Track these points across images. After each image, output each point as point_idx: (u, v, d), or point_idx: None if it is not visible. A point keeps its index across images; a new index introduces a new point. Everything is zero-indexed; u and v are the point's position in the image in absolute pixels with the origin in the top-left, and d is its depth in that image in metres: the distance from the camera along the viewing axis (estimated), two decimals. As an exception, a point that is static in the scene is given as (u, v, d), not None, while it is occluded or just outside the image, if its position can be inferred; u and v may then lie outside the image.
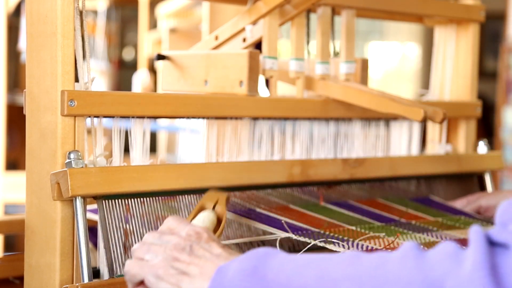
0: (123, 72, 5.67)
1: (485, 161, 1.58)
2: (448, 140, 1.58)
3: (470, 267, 0.72)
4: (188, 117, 1.21)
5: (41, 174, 1.09)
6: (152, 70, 4.02)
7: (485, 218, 1.39)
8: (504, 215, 0.78)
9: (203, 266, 0.88)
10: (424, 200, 1.44)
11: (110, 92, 1.86)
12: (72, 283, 1.07)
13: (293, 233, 1.12)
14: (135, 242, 1.10)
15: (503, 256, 0.73)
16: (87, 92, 1.09)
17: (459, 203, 1.45)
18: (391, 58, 6.38)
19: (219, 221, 1.07)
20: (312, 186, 1.32)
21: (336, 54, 1.44)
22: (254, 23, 1.33)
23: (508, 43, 3.93)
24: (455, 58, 1.58)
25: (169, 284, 0.89)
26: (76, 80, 1.10)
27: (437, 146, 1.57)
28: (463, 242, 1.16)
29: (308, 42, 1.41)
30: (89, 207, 1.09)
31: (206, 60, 1.32)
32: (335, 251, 1.05)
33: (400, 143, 1.50)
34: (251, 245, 1.22)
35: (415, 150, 1.51)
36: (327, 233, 1.16)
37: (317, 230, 1.16)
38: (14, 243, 3.84)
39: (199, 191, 1.18)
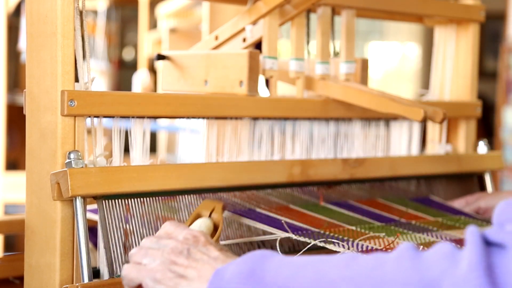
0: (123, 72, 5.67)
1: (485, 161, 1.58)
2: (448, 140, 1.58)
3: (466, 267, 0.73)
4: (188, 117, 1.21)
5: (41, 174, 1.09)
6: (152, 70, 4.02)
7: (485, 218, 1.39)
8: (501, 216, 0.78)
9: (201, 269, 0.89)
10: (424, 200, 1.44)
11: (110, 92, 1.86)
12: (72, 283, 1.07)
13: (293, 233, 1.12)
14: (135, 242, 1.10)
15: (499, 256, 0.73)
16: (87, 92, 1.09)
17: (458, 204, 1.45)
18: (391, 58, 6.38)
19: (215, 228, 1.07)
20: (312, 186, 1.32)
21: (336, 54, 1.44)
22: (254, 23, 1.33)
23: (508, 43, 3.93)
24: (455, 58, 1.58)
25: None
26: (76, 80, 1.10)
27: (437, 146, 1.57)
28: (463, 242, 1.16)
29: (308, 42, 1.41)
30: (89, 207, 1.09)
31: (206, 60, 1.32)
32: (335, 251, 1.05)
33: (400, 143, 1.50)
34: (251, 245, 1.22)
35: (415, 150, 1.51)
36: (327, 233, 1.16)
37: (317, 230, 1.16)
38: (14, 243, 3.84)
39: (199, 191, 1.18)
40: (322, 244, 1.09)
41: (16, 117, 3.08)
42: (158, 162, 1.22)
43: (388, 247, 1.11)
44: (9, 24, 3.44)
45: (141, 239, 1.11)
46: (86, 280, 1.03)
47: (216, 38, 1.38)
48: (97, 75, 2.26)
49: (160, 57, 1.38)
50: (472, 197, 1.46)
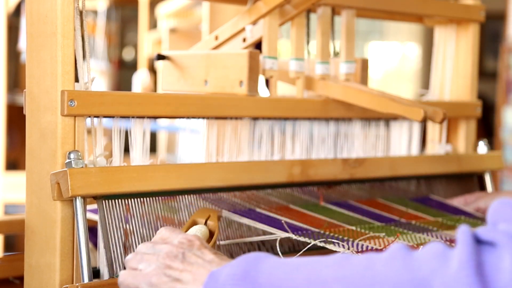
0: (123, 72, 5.67)
1: (485, 161, 1.58)
2: (448, 140, 1.58)
3: (456, 265, 0.73)
4: (188, 117, 1.21)
5: (41, 174, 1.09)
6: (152, 70, 4.02)
7: (485, 218, 1.39)
8: (494, 215, 0.79)
9: (196, 272, 0.90)
10: (424, 200, 1.44)
11: (110, 92, 1.86)
12: (72, 283, 1.07)
13: (293, 233, 1.12)
14: (135, 242, 1.10)
15: (489, 254, 0.74)
16: (87, 92, 1.09)
17: (457, 202, 1.45)
18: (391, 58, 6.38)
19: (211, 235, 1.08)
20: (312, 186, 1.32)
21: (336, 54, 1.44)
22: (254, 23, 1.33)
23: (508, 43, 3.93)
24: (455, 58, 1.58)
25: None
26: (76, 80, 1.10)
27: (437, 146, 1.57)
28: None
29: (308, 42, 1.41)
30: (89, 207, 1.09)
31: (206, 60, 1.32)
32: (335, 251, 1.05)
33: (400, 143, 1.50)
34: (251, 245, 1.22)
35: (415, 150, 1.51)
36: (327, 233, 1.16)
37: (317, 230, 1.16)
38: (14, 243, 3.84)
39: (199, 191, 1.18)
40: (322, 244, 1.09)
41: (16, 117, 3.09)
42: (158, 162, 1.22)
43: (388, 247, 1.11)
44: (9, 24, 3.44)
45: (141, 239, 1.11)
46: (86, 280, 1.03)
47: (216, 38, 1.38)
48: (97, 75, 2.25)
49: (160, 57, 1.38)
50: (471, 196, 1.46)
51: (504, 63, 3.93)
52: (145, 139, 1.18)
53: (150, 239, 1.04)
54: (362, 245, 1.11)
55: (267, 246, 1.23)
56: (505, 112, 3.88)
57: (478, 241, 0.75)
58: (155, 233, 1.00)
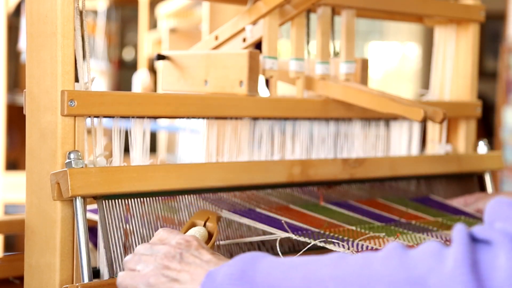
0: (123, 72, 5.67)
1: (485, 161, 1.58)
2: (448, 140, 1.58)
3: (452, 264, 0.73)
4: (188, 117, 1.21)
5: (41, 174, 1.09)
6: (152, 70, 4.02)
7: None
8: (491, 214, 0.79)
9: (193, 272, 0.90)
10: (424, 200, 1.44)
11: (110, 92, 1.86)
12: (72, 283, 1.07)
13: (293, 233, 1.12)
14: (135, 242, 1.10)
15: (484, 252, 0.74)
16: (87, 92, 1.09)
17: (456, 203, 1.45)
18: (391, 58, 6.38)
19: (210, 237, 1.08)
20: (312, 186, 1.32)
21: (336, 54, 1.44)
22: (254, 23, 1.33)
23: (508, 43, 3.93)
24: (455, 58, 1.58)
25: None
26: (76, 80, 1.10)
27: (437, 146, 1.57)
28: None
29: (308, 42, 1.41)
30: (89, 207, 1.09)
31: (206, 60, 1.32)
32: (335, 251, 1.05)
33: (400, 143, 1.50)
34: (251, 245, 1.22)
35: (415, 150, 1.51)
36: (327, 233, 1.16)
37: (317, 230, 1.16)
38: (14, 243, 3.85)
39: (199, 191, 1.18)
40: (322, 244, 1.09)
41: (16, 117, 3.09)
42: (158, 162, 1.22)
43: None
44: (9, 24, 3.44)
45: (141, 239, 1.11)
46: (86, 280, 1.03)
47: (216, 38, 1.38)
48: (97, 75, 2.25)
49: (160, 57, 1.38)
50: (471, 197, 1.46)
51: (504, 63, 3.93)
52: (145, 139, 1.18)
53: (150, 239, 1.04)
54: (362, 245, 1.11)
55: (267, 246, 1.23)
56: (505, 112, 3.88)
57: (474, 240, 0.76)
58: (155, 234, 1.01)
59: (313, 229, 1.16)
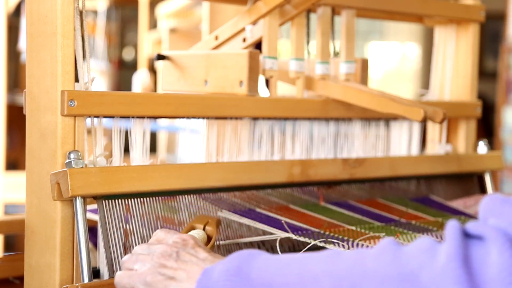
0: (123, 72, 5.67)
1: (485, 161, 1.58)
2: (448, 140, 1.58)
3: (444, 259, 0.74)
4: (188, 117, 1.21)
5: (41, 174, 1.09)
6: (152, 70, 4.02)
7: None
8: (485, 211, 0.80)
9: (190, 270, 0.91)
10: (424, 200, 1.44)
11: (110, 92, 1.86)
12: (72, 283, 1.07)
13: (293, 233, 1.12)
14: (135, 242, 1.10)
15: (476, 248, 0.74)
16: (87, 92, 1.09)
17: (456, 205, 1.45)
18: (391, 58, 6.38)
19: (209, 240, 1.08)
20: (312, 186, 1.32)
21: (336, 54, 1.44)
22: (254, 23, 1.33)
23: (508, 43, 3.93)
24: (455, 58, 1.58)
25: None
26: (76, 80, 1.10)
27: (437, 146, 1.57)
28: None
29: (308, 42, 1.41)
30: (89, 207, 1.09)
31: (206, 60, 1.32)
32: (335, 251, 1.05)
33: (400, 143, 1.50)
34: (251, 245, 1.22)
35: (415, 150, 1.51)
36: (327, 233, 1.16)
37: (317, 230, 1.16)
38: (14, 243, 3.85)
39: (199, 191, 1.18)
40: (322, 244, 1.09)
41: (16, 117, 3.08)
42: (158, 162, 1.22)
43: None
44: (9, 24, 3.44)
45: (141, 239, 1.11)
46: (86, 280, 1.03)
47: (216, 38, 1.38)
48: (97, 75, 2.26)
49: (160, 57, 1.38)
50: (471, 200, 1.46)
51: (504, 63, 3.93)
52: (145, 139, 1.18)
53: (150, 240, 1.04)
54: (362, 245, 1.11)
55: (267, 246, 1.23)
56: (505, 112, 3.88)
57: (467, 236, 0.76)
58: (153, 235, 1.01)
59: (313, 229, 1.16)
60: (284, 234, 1.12)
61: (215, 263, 0.90)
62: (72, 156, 1.05)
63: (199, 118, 1.23)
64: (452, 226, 0.77)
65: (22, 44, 3.82)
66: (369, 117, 1.42)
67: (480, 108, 1.58)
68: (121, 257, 1.08)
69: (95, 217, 1.10)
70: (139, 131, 1.17)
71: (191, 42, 1.66)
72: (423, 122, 1.51)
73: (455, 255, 0.73)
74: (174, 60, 1.36)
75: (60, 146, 1.07)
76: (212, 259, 0.92)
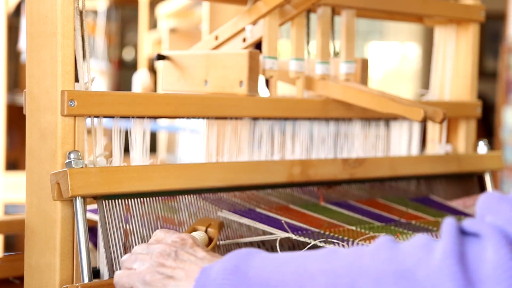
0: (123, 72, 5.67)
1: (485, 161, 1.58)
2: (448, 140, 1.58)
3: (440, 255, 0.74)
4: (188, 117, 1.21)
5: (41, 174, 1.09)
6: (152, 70, 4.02)
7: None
8: (482, 208, 0.80)
9: (188, 269, 0.91)
10: (424, 200, 1.44)
11: (110, 92, 1.86)
12: (72, 283, 1.07)
13: (293, 233, 1.12)
14: (135, 242, 1.10)
15: (472, 245, 0.74)
16: (87, 92, 1.09)
17: (455, 205, 1.45)
18: (391, 58, 6.38)
19: (210, 242, 1.08)
20: (312, 186, 1.32)
21: (336, 54, 1.44)
22: (254, 23, 1.33)
23: (508, 43, 3.93)
24: (455, 58, 1.58)
25: None
26: (76, 80, 1.10)
27: (437, 146, 1.57)
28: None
29: (308, 42, 1.41)
30: (89, 207, 1.09)
31: (206, 60, 1.32)
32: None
33: (400, 143, 1.50)
34: (251, 245, 1.22)
35: (415, 150, 1.51)
36: (327, 233, 1.16)
37: (317, 230, 1.16)
38: (14, 243, 3.85)
39: (199, 191, 1.18)
40: (322, 244, 1.09)
41: (16, 117, 3.08)
42: (158, 162, 1.22)
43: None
44: (9, 24, 3.44)
45: (141, 239, 1.11)
46: (86, 280, 1.03)
47: (216, 38, 1.38)
48: (97, 75, 2.26)
49: (160, 57, 1.38)
50: (470, 200, 1.46)
51: (504, 63, 3.93)
52: (145, 139, 1.18)
53: (150, 239, 1.04)
54: (362, 245, 1.11)
55: (267, 246, 1.23)
56: (505, 112, 3.88)
57: (464, 233, 0.76)
58: (153, 235, 1.01)
59: (313, 229, 1.16)
60: (284, 234, 1.12)
61: (213, 262, 0.91)
62: (72, 156, 1.05)
63: (199, 118, 1.23)
64: (448, 223, 0.77)
65: (22, 44, 3.82)
66: (369, 117, 1.42)
67: (480, 108, 1.58)
68: (121, 257, 1.08)
69: (95, 217, 1.10)
70: (139, 131, 1.17)
71: (191, 42, 1.66)
72: (423, 122, 1.51)
73: (451, 251, 0.73)
74: (174, 60, 1.36)
75: (60, 146, 1.07)
76: (210, 258, 0.93)
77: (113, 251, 1.08)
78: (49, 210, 1.08)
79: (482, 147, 1.58)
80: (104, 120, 1.13)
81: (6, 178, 3.29)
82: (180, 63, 1.35)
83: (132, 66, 5.25)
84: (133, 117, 1.15)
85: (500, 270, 0.71)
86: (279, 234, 1.12)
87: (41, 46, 1.09)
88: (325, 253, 0.83)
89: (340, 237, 1.14)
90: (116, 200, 1.10)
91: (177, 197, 1.16)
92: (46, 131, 1.08)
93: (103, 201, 1.08)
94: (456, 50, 1.58)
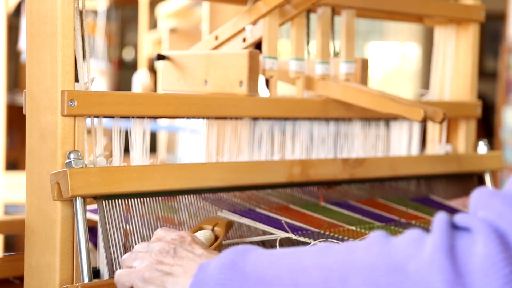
0: (123, 72, 5.67)
1: (485, 161, 1.58)
2: (448, 140, 1.58)
3: (430, 249, 0.75)
4: (188, 117, 1.21)
5: (41, 174, 1.09)
6: (152, 70, 4.02)
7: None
8: (475, 204, 0.81)
9: (186, 265, 0.92)
10: (424, 200, 1.44)
11: (110, 92, 1.86)
12: (72, 283, 1.07)
13: (293, 233, 1.12)
14: (135, 242, 1.10)
15: (463, 238, 0.75)
16: (87, 92, 1.09)
17: (455, 204, 1.45)
18: (391, 58, 6.38)
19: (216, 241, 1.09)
20: (312, 186, 1.32)
21: (336, 54, 1.44)
22: (254, 23, 1.33)
23: (508, 43, 3.93)
24: (455, 58, 1.58)
25: (155, 286, 0.93)
26: (76, 80, 1.10)
27: (437, 146, 1.57)
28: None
29: (308, 42, 1.41)
30: (89, 207, 1.09)
31: (206, 60, 1.32)
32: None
33: (400, 143, 1.50)
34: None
35: (415, 150, 1.51)
36: (327, 233, 1.16)
37: (317, 230, 1.16)
38: (14, 243, 3.85)
39: (199, 191, 1.18)
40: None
41: (16, 117, 3.08)
42: (158, 162, 1.22)
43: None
44: (9, 24, 3.44)
45: (141, 239, 1.11)
46: (86, 280, 1.03)
47: (216, 38, 1.38)
48: (97, 75, 2.26)
49: (160, 57, 1.38)
50: (469, 199, 1.46)
51: (504, 63, 3.93)
52: (145, 139, 1.18)
53: (150, 239, 1.04)
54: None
55: (267, 246, 1.23)
56: (505, 112, 3.88)
57: (455, 228, 0.77)
58: (154, 234, 1.02)
59: (313, 229, 1.16)
60: (284, 234, 1.12)
61: (211, 258, 0.92)
62: (72, 156, 1.05)
63: (199, 118, 1.23)
64: (439, 218, 0.78)
65: (22, 44, 3.82)
66: (369, 117, 1.42)
67: (480, 108, 1.58)
68: (121, 257, 1.08)
69: (95, 217, 1.10)
70: (139, 131, 1.17)
71: (191, 42, 1.66)
72: (423, 122, 1.51)
73: (441, 245, 0.74)
74: (174, 60, 1.36)
75: (60, 146, 1.07)
76: (208, 255, 0.94)
77: (113, 251, 1.08)
78: (49, 210, 1.08)
79: (482, 147, 1.58)
80: (104, 120, 1.13)
81: (6, 178, 3.29)
82: (180, 63, 1.35)
83: (132, 66, 5.25)
84: (133, 117, 1.15)
85: (489, 262, 0.72)
86: (279, 234, 1.12)
87: (41, 46, 1.09)
88: (320, 248, 0.84)
89: (340, 237, 1.14)
90: (116, 200, 1.10)
91: (177, 197, 1.16)
92: (46, 131, 1.08)
93: (103, 201, 1.08)
94: (456, 50, 1.58)
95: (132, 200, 1.11)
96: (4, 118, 3.29)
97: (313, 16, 1.40)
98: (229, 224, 1.14)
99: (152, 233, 1.12)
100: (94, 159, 1.11)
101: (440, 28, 1.60)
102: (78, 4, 1.08)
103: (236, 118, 1.28)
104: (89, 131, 1.12)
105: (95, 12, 4.49)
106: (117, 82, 5.27)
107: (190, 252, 0.94)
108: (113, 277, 1.06)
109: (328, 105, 1.35)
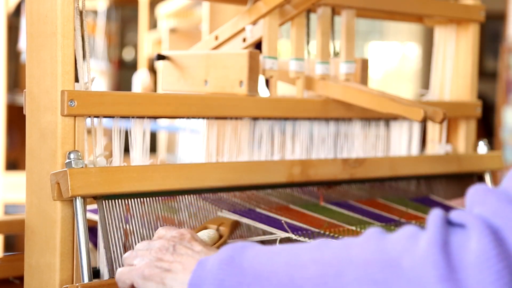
0: (123, 72, 5.67)
1: (485, 161, 1.58)
2: (448, 140, 1.58)
3: (425, 245, 0.75)
4: (188, 117, 1.21)
5: (41, 174, 1.09)
6: (152, 70, 4.02)
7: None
8: (470, 201, 0.81)
9: (185, 262, 0.93)
10: (424, 200, 1.44)
11: (110, 92, 1.86)
12: (72, 283, 1.07)
13: (293, 233, 1.12)
14: (135, 242, 1.10)
15: (457, 234, 0.76)
16: (87, 92, 1.09)
17: (455, 204, 1.45)
18: (391, 58, 6.38)
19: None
20: (312, 186, 1.32)
21: (336, 54, 1.44)
22: (254, 23, 1.33)
23: (508, 43, 3.93)
24: (455, 58, 1.58)
25: (155, 283, 0.94)
26: (76, 80, 1.10)
27: (437, 146, 1.57)
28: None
29: (308, 42, 1.41)
30: (89, 207, 1.09)
31: (206, 60, 1.32)
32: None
33: (400, 143, 1.50)
34: (251, 245, 1.22)
35: (415, 150, 1.51)
36: (327, 233, 1.16)
37: (317, 230, 1.16)
38: (14, 243, 3.85)
39: (199, 191, 1.18)
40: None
41: (16, 117, 3.08)
42: (158, 162, 1.22)
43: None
44: (9, 24, 3.44)
45: (141, 239, 1.11)
46: (86, 280, 1.03)
47: (216, 38, 1.38)
48: (97, 75, 2.25)
49: (160, 57, 1.38)
50: (467, 198, 1.46)
51: (504, 63, 3.93)
52: (145, 139, 1.18)
53: (150, 239, 1.04)
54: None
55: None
56: (505, 112, 3.88)
57: (450, 224, 0.78)
58: (155, 233, 1.02)
59: (313, 229, 1.16)
60: (284, 234, 1.12)
61: (209, 255, 0.93)
62: (72, 156, 1.05)
63: (199, 118, 1.23)
64: (434, 214, 0.78)
65: (22, 44, 3.81)
66: (369, 117, 1.42)
67: (480, 108, 1.58)
68: (121, 257, 1.08)
69: (95, 217, 1.10)
70: (139, 131, 1.17)
71: (191, 42, 1.65)
72: (423, 122, 1.51)
73: (435, 241, 0.75)
74: (174, 60, 1.36)
75: (60, 146, 1.07)
76: (207, 252, 0.95)
77: (113, 251, 1.08)
78: (49, 210, 1.08)
79: (482, 147, 1.58)
80: (104, 120, 1.13)
81: (6, 178, 3.29)
82: (180, 63, 1.35)
83: (132, 66, 5.25)
84: (133, 117, 1.15)
85: (483, 258, 0.72)
86: (279, 234, 1.12)
87: (41, 46, 1.09)
88: (316, 244, 0.85)
89: (340, 237, 1.14)
90: (116, 200, 1.10)
91: (177, 197, 1.16)
92: (46, 131, 1.08)
93: (103, 201, 1.08)
94: (456, 50, 1.58)
95: (132, 200, 1.11)
96: (4, 118, 3.29)
97: (313, 16, 1.40)
98: (235, 224, 1.14)
99: (152, 233, 1.12)
100: (94, 159, 1.11)
101: (440, 28, 1.60)
102: (78, 4, 1.08)
103: (236, 118, 1.28)
104: (89, 131, 1.12)
105: (95, 12, 4.49)
106: (117, 82, 5.27)
107: (189, 249, 0.95)
108: (113, 277, 1.06)
109: (328, 105, 1.35)
